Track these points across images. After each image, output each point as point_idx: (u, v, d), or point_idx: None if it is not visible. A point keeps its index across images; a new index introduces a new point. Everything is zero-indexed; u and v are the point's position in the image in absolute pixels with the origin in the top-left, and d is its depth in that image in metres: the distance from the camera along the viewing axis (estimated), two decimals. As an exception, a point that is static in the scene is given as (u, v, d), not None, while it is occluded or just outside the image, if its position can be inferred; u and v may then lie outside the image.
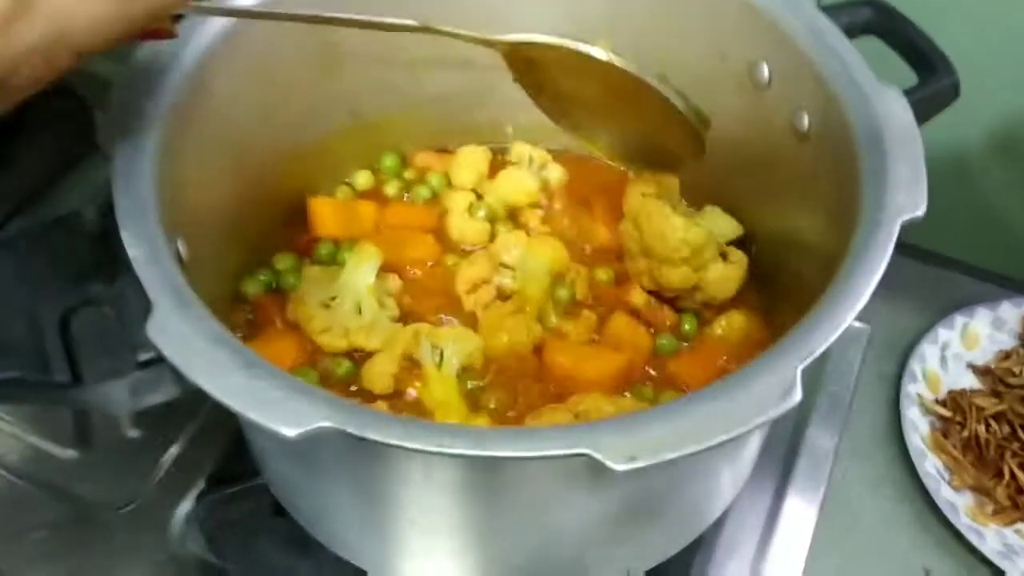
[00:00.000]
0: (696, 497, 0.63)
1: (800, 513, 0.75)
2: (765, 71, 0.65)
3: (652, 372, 0.70)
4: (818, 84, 0.59)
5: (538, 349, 0.68)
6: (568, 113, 0.68)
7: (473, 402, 0.66)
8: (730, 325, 0.71)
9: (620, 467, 0.41)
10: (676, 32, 0.70)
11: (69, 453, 0.75)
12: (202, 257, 0.57)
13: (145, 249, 0.48)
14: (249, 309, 0.71)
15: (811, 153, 0.61)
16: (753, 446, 0.65)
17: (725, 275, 0.70)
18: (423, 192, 0.79)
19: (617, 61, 0.61)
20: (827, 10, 0.65)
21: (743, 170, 0.71)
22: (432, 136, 0.82)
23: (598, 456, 0.41)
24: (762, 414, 0.43)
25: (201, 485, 0.72)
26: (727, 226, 0.72)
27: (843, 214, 0.54)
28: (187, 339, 0.45)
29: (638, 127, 0.64)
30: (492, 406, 0.65)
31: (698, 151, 0.63)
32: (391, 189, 0.80)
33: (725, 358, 0.70)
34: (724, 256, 0.71)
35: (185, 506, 0.72)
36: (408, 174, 0.81)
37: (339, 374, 0.67)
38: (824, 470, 0.77)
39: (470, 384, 0.67)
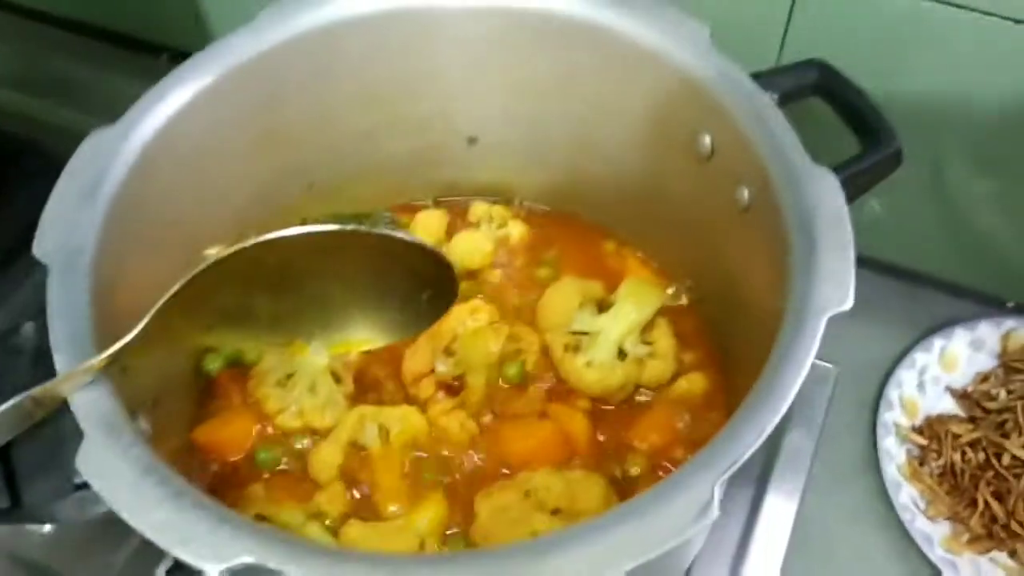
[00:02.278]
0: (668, 559, 0.64)
1: (769, 552, 0.75)
2: (707, 142, 0.65)
3: (603, 440, 0.70)
4: (754, 160, 0.59)
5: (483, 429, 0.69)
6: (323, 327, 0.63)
7: (419, 481, 0.67)
8: (689, 388, 0.72)
9: (532, 600, 0.41)
10: (625, 100, 0.70)
11: (45, 528, 0.76)
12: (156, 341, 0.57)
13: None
14: (210, 385, 0.72)
15: (751, 227, 0.61)
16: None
17: (656, 372, 0.71)
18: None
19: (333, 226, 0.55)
20: (776, 72, 0.65)
21: (691, 235, 0.71)
22: (393, 195, 0.83)
23: (511, 588, 0.41)
24: (677, 535, 0.43)
25: (171, 560, 0.73)
26: (648, 299, 0.72)
27: (777, 296, 0.54)
28: (115, 470, 0.46)
29: (388, 289, 0.59)
30: (435, 483, 0.67)
31: (450, 274, 0.59)
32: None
33: (685, 419, 0.70)
34: (652, 345, 0.72)
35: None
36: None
37: (265, 461, 0.68)
38: (790, 509, 0.77)
39: (417, 458, 0.68)
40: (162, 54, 1.04)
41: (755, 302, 0.63)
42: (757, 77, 0.62)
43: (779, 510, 0.76)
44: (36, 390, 0.48)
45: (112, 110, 0.61)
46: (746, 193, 0.61)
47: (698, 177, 0.67)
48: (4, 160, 0.92)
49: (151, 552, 0.73)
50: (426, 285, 0.58)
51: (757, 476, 0.78)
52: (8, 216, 0.90)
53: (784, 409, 0.48)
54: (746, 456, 0.46)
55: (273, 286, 0.55)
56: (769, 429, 0.47)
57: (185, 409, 0.70)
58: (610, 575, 0.42)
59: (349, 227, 0.54)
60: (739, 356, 0.68)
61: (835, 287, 0.51)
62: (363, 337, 0.64)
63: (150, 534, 0.43)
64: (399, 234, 0.55)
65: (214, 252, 0.52)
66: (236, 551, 0.43)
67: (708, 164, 0.65)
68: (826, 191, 0.55)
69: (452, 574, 0.42)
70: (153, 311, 0.51)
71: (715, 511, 0.43)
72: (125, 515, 0.44)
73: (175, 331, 0.53)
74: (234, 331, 0.60)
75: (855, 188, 0.61)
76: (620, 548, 0.43)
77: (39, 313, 0.52)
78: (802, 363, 0.49)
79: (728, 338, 0.71)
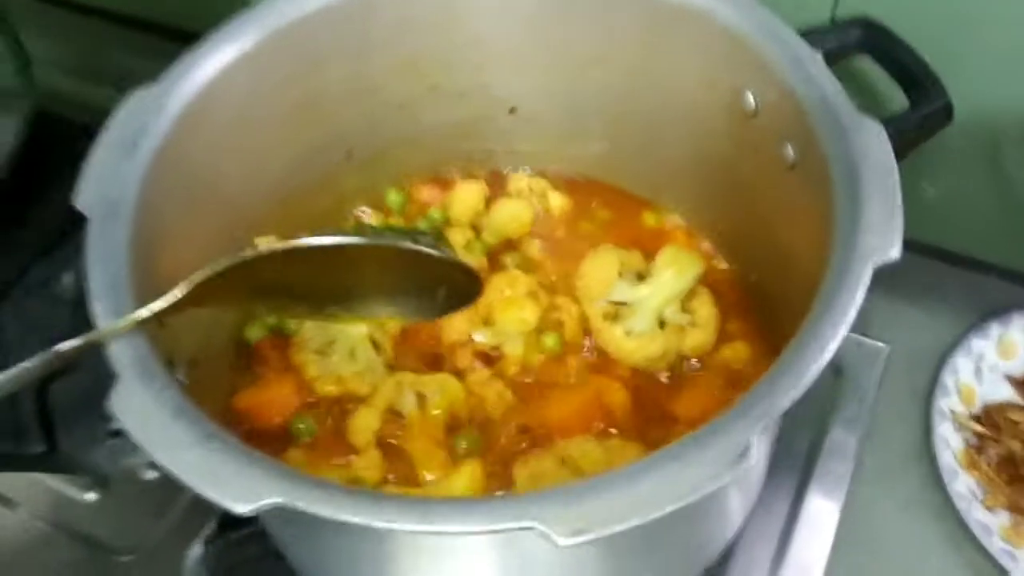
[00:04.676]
0: (699, 530, 0.62)
1: (816, 535, 0.73)
2: (751, 100, 0.63)
3: (644, 410, 0.68)
4: (799, 115, 0.57)
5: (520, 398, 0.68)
6: (347, 304, 0.63)
7: (456, 449, 0.66)
8: (733, 356, 0.70)
9: (566, 541, 0.40)
10: (666, 62, 0.69)
11: (89, 496, 0.77)
12: (192, 305, 0.57)
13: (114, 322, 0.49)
14: (251, 354, 0.72)
15: (797, 183, 0.60)
16: (759, 469, 0.63)
17: (698, 341, 0.70)
18: (423, 226, 0.79)
19: (368, 240, 0.57)
20: (818, 31, 0.64)
21: (736, 196, 0.70)
22: (432, 167, 0.83)
23: (543, 528, 0.40)
24: (712, 481, 0.42)
25: (212, 527, 0.73)
26: (689, 267, 0.70)
27: (822, 252, 0.52)
28: (147, 413, 0.46)
29: (414, 286, 0.61)
30: (471, 451, 0.66)
31: (476, 284, 0.62)
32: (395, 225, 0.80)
33: (728, 389, 0.69)
34: (692, 314, 0.70)
35: (196, 549, 0.73)
36: (410, 208, 0.82)
37: (303, 431, 0.68)
38: (839, 496, 0.75)
39: (454, 426, 0.67)
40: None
41: (801, 265, 0.61)
42: (802, 36, 0.61)
43: (825, 498, 0.74)
44: (70, 344, 0.48)
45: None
46: (792, 150, 0.60)
47: (742, 137, 0.65)
48: (62, 143, 0.95)
49: (192, 521, 0.75)
50: (444, 284, 0.60)
51: (803, 459, 0.76)
52: (62, 197, 0.92)
53: (827, 359, 0.46)
54: (787, 405, 0.44)
55: (309, 273, 0.56)
56: (811, 378, 0.45)
57: (223, 374, 0.70)
58: (640, 520, 0.41)
59: (403, 243, 0.56)
60: (784, 323, 0.65)
61: (881, 235, 0.49)
62: (385, 315, 0.65)
63: (179, 474, 0.43)
64: (439, 253, 0.57)
65: (263, 242, 0.54)
66: (265, 492, 0.42)
67: (752, 122, 0.64)
68: (873, 141, 0.53)
69: (485, 517, 0.41)
70: (191, 281, 0.51)
71: (754, 457, 0.42)
72: (155, 455, 0.44)
73: (212, 300, 0.54)
74: (267, 304, 0.62)
75: (904, 143, 0.59)
76: (659, 491, 0.41)
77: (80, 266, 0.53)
78: (846, 311, 0.47)
79: (773, 305, 0.69)
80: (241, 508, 0.42)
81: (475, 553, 0.51)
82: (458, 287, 0.58)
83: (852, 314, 0.47)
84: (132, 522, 0.76)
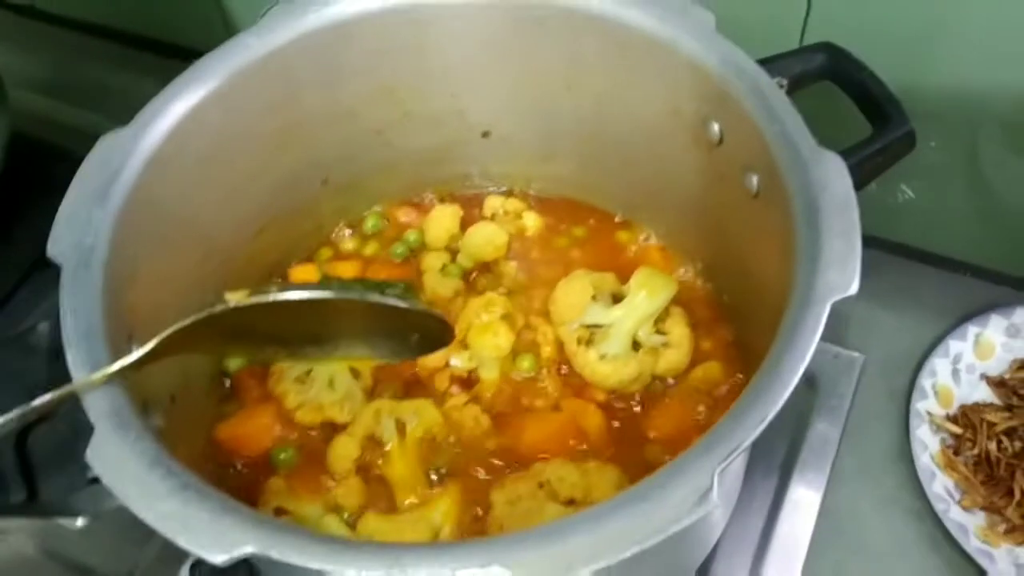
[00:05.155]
0: (678, 548, 0.64)
1: (795, 536, 0.74)
2: (716, 130, 0.64)
3: (619, 431, 0.70)
4: (761, 147, 0.58)
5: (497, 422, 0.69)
6: (321, 346, 0.65)
7: (434, 474, 0.67)
8: (706, 376, 0.71)
9: (532, 586, 0.41)
10: (633, 89, 0.69)
11: (78, 523, 0.78)
12: (165, 355, 0.58)
13: (89, 371, 0.50)
14: (231, 383, 0.74)
15: (761, 213, 0.61)
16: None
17: (672, 361, 0.71)
18: (399, 250, 0.80)
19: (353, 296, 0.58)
20: (782, 57, 0.64)
21: (706, 219, 0.71)
22: (408, 191, 0.83)
23: (508, 574, 0.42)
24: (676, 523, 0.43)
25: (195, 555, 0.74)
26: (662, 288, 0.71)
27: (784, 278, 0.53)
28: (123, 463, 0.47)
29: (386, 332, 0.62)
30: (449, 476, 0.67)
31: (447, 331, 0.63)
32: (370, 249, 0.81)
33: (702, 408, 0.70)
34: (666, 335, 0.71)
35: (184, 571, 0.74)
36: (388, 230, 0.83)
37: (284, 461, 0.69)
38: (816, 498, 0.76)
39: (432, 452, 0.68)
40: (191, 58, 1.07)
41: (768, 289, 0.62)
42: (766, 62, 0.62)
43: (803, 501, 0.75)
44: (45, 399, 0.49)
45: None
46: (755, 180, 0.61)
47: (708, 164, 0.66)
48: (36, 168, 0.94)
49: (176, 547, 0.76)
50: (417, 331, 0.61)
51: (780, 466, 0.77)
52: (38, 225, 0.92)
53: (785, 397, 0.47)
54: (747, 444, 0.45)
55: (280, 321, 0.57)
56: (770, 417, 0.46)
57: (205, 406, 0.71)
58: (606, 563, 0.42)
59: (371, 296, 0.57)
60: (756, 343, 0.66)
61: (840, 272, 0.50)
62: (360, 356, 0.66)
63: (155, 524, 0.44)
64: (408, 305, 0.58)
65: (234, 298, 0.54)
66: (238, 541, 0.44)
67: (717, 151, 0.65)
68: (833, 175, 0.54)
69: (455, 561, 0.42)
70: (164, 335, 0.52)
71: (714, 499, 0.43)
72: (132, 506, 0.45)
73: (185, 348, 0.55)
74: (241, 348, 0.63)
75: (868, 171, 0.60)
76: (620, 535, 0.43)
77: (56, 313, 0.53)
78: (805, 350, 0.48)
79: (745, 326, 0.70)
80: (215, 558, 0.43)
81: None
82: (430, 332, 0.59)
83: (810, 352, 0.48)
84: (121, 548, 0.77)
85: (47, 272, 0.88)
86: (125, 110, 0.62)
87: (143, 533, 0.74)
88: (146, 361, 0.51)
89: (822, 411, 0.80)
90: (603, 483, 0.64)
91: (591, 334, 0.71)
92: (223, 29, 1.02)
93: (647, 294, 0.71)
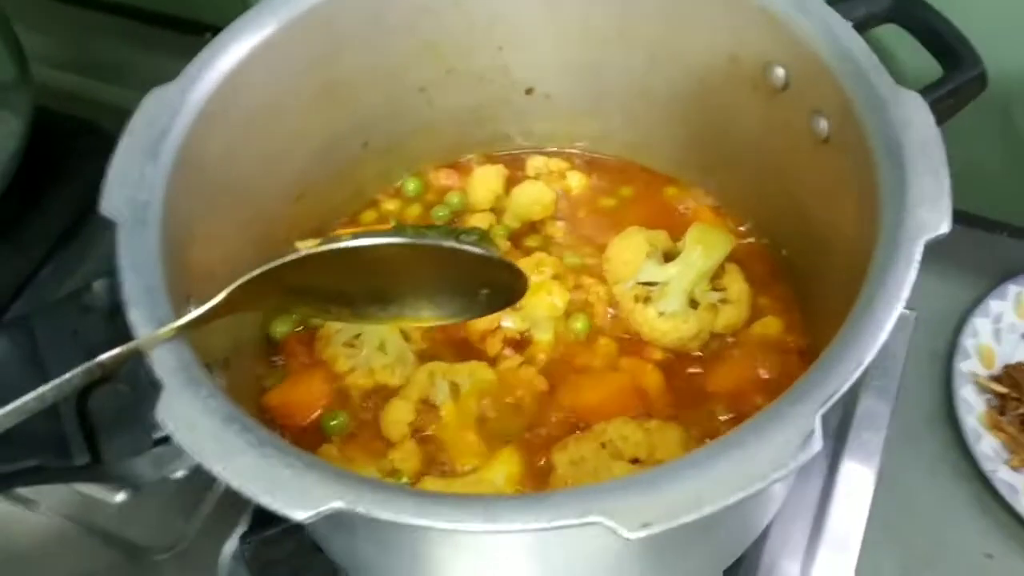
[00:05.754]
0: (750, 512, 0.62)
1: (853, 502, 0.73)
2: (780, 74, 0.62)
3: (679, 390, 0.68)
4: (834, 88, 0.56)
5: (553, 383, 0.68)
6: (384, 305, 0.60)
7: (491, 437, 0.65)
8: (765, 331, 0.70)
9: (633, 535, 0.40)
10: (688, 37, 0.67)
11: (117, 497, 0.77)
12: (231, 309, 0.56)
13: (153, 328, 0.48)
14: (278, 351, 0.72)
15: (831, 159, 0.59)
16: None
17: (731, 318, 0.69)
18: (441, 212, 0.78)
19: (409, 240, 0.55)
20: (846, 0, 0.62)
21: (764, 172, 0.69)
22: (448, 152, 0.81)
23: (610, 524, 0.40)
24: (781, 467, 0.41)
25: (245, 524, 0.73)
26: (718, 245, 0.69)
27: (867, 228, 0.52)
28: (196, 420, 0.45)
29: (455, 286, 0.58)
30: (507, 439, 0.65)
31: (521, 282, 0.58)
32: (412, 213, 0.79)
33: (762, 364, 0.68)
34: (724, 291, 0.70)
35: (231, 545, 0.73)
36: (428, 195, 0.81)
37: (335, 427, 0.67)
38: (874, 462, 0.75)
39: (488, 414, 0.67)
40: (206, 32, 1.04)
41: (835, 237, 0.61)
42: (830, 6, 0.60)
43: (859, 467, 0.75)
44: (112, 353, 0.47)
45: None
46: (825, 124, 0.59)
47: (769, 112, 0.65)
48: (64, 139, 0.94)
49: (224, 519, 0.74)
50: (488, 285, 0.58)
51: (835, 428, 0.76)
52: (69, 194, 0.91)
53: (883, 338, 0.45)
54: (845, 387, 0.44)
55: (348, 275, 0.54)
56: (868, 359, 0.44)
57: (253, 373, 0.69)
58: (711, 509, 0.40)
59: (446, 242, 0.54)
60: (818, 295, 0.66)
61: (931, 210, 0.48)
62: (423, 317, 0.62)
63: (235, 482, 0.42)
64: (484, 251, 0.55)
65: (304, 246, 0.52)
66: (325, 497, 0.42)
67: (780, 97, 0.63)
68: (914, 113, 0.52)
69: (551, 513, 0.41)
70: (235, 285, 0.50)
71: (819, 442, 0.42)
72: (209, 464, 0.43)
73: (248, 304, 0.52)
74: (303, 306, 0.59)
75: (939, 114, 0.58)
76: (724, 481, 0.41)
77: (107, 274, 0.52)
78: (899, 290, 0.46)
79: (805, 278, 0.68)
80: (300, 515, 0.41)
81: (516, 547, 0.51)
82: (502, 286, 0.56)
83: (906, 293, 0.46)
84: (163, 522, 0.76)
85: (81, 237, 0.90)
86: (146, 85, 0.60)
87: (186, 506, 0.75)
88: (212, 317, 0.49)
89: (875, 372, 0.78)
90: (667, 442, 0.62)
91: (648, 292, 0.69)
92: (241, 4, 1.00)
93: (703, 250, 0.69)
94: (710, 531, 0.56)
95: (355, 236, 0.51)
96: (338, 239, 0.51)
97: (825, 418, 0.42)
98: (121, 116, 0.58)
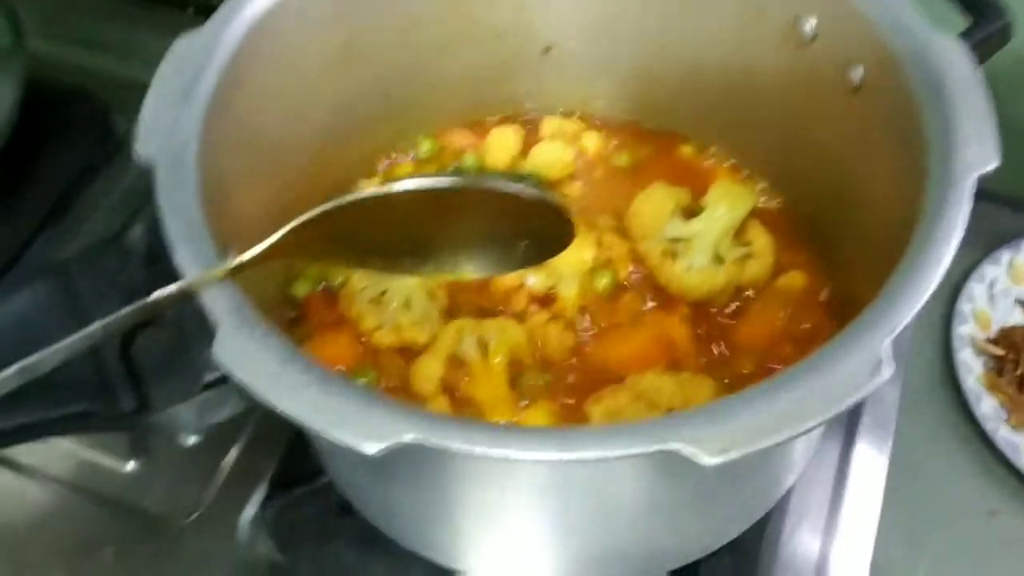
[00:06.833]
0: (775, 469, 0.62)
1: (870, 467, 0.74)
2: (809, 25, 0.62)
3: (707, 343, 0.68)
4: (869, 35, 0.57)
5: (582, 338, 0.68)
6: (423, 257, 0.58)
7: (523, 392, 0.65)
8: (790, 284, 0.70)
9: (713, 461, 0.39)
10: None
11: (128, 466, 0.75)
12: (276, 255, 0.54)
13: (201, 269, 0.47)
14: (299, 310, 0.71)
15: (864, 108, 0.59)
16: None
17: (757, 271, 0.69)
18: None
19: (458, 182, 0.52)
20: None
21: (786, 127, 0.69)
22: (465, 112, 0.80)
23: (690, 451, 0.40)
24: (854, 393, 0.41)
25: (264, 489, 0.71)
26: (742, 200, 0.70)
27: (907, 173, 0.52)
28: (255, 360, 0.44)
29: (497, 237, 0.56)
30: (538, 393, 0.65)
31: (568, 232, 0.55)
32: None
33: (788, 316, 0.68)
34: (749, 246, 0.70)
35: (250, 510, 0.71)
36: (443, 156, 0.80)
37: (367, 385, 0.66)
38: (890, 423, 0.76)
39: (519, 369, 0.66)
40: (188, 8, 1.03)
41: (864, 187, 0.62)
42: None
43: (873, 440, 0.75)
44: (164, 292, 0.46)
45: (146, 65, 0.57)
46: (858, 73, 0.59)
47: (796, 64, 0.65)
48: (57, 107, 0.92)
49: (241, 485, 0.73)
50: (530, 236, 0.56)
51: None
52: (63, 161, 0.90)
53: (942, 271, 0.46)
54: (911, 316, 0.44)
55: (400, 222, 0.53)
56: (932, 288, 0.45)
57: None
58: (790, 434, 0.40)
59: (508, 186, 0.51)
60: (842, 247, 0.66)
61: (978, 147, 0.49)
62: (462, 271, 0.60)
63: (303, 418, 0.41)
64: (545, 195, 0.53)
65: (368, 185, 0.49)
66: (395, 429, 0.41)
67: (808, 49, 0.63)
68: (953, 56, 0.53)
69: (627, 441, 0.40)
70: (290, 226, 0.48)
71: (889, 368, 0.42)
72: (272, 400, 0.42)
73: (292, 251, 0.51)
74: (342, 256, 0.57)
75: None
76: (800, 407, 0.41)
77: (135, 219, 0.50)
78: (955, 224, 0.47)
79: (828, 233, 0.69)
80: (372, 448, 0.41)
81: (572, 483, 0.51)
82: (544, 236, 0.54)
83: (963, 225, 0.47)
84: (177, 490, 0.74)
85: (80, 202, 0.88)
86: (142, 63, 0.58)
87: (199, 473, 0.74)
88: (261, 260, 0.48)
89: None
90: (700, 393, 0.63)
91: (674, 247, 0.69)
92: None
93: (727, 206, 0.69)
94: (745, 480, 0.56)
95: (413, 176, 0.50)
96: (397, 180, 0.49)
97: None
98: (113, 87, 0.56)
